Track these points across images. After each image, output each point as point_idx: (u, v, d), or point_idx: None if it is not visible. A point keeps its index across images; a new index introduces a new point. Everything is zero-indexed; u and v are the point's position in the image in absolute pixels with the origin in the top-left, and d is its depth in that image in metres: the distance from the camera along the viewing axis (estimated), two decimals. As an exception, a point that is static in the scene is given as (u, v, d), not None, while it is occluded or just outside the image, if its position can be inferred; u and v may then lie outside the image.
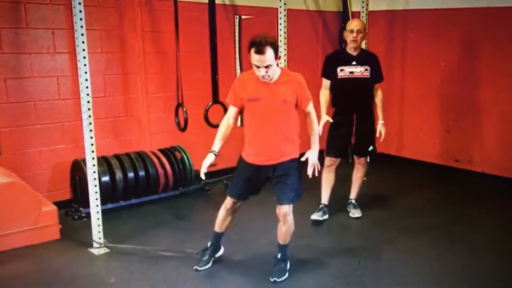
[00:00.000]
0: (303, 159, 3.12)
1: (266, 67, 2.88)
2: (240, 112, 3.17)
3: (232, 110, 3.16)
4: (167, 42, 4.88)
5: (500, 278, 3.26)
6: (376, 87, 4.22)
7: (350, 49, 4.11)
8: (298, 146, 3.17)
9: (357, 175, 4.39)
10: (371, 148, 4.26)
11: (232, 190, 3.26)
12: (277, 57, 2.90)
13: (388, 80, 6.02)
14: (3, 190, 3.58)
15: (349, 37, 4.06)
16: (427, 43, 5.61)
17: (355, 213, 4.35)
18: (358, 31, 4.02)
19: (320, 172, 3.24)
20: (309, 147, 3.20)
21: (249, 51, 2.89)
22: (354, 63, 4.07)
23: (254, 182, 3.19)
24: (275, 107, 3.01)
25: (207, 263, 3.37)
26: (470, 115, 5.36)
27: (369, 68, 4.07)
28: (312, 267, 3.41)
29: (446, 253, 3.60)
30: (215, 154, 3.13)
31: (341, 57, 4.12)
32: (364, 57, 4.12)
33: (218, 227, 3.36)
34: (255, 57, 2.87)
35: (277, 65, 2.97)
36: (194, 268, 3.33)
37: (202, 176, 3.13)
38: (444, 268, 3.38)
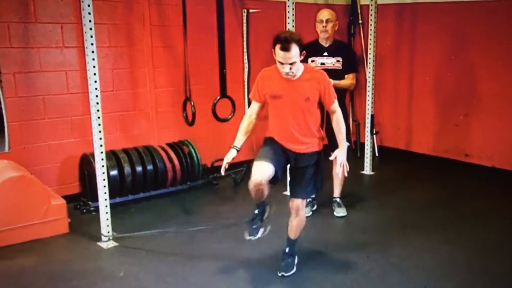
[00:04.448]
0: (331, 158, 3.08)
1: (291, 64, 2.85)
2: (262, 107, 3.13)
3: (254, 106, 3.13)
4: (175, 36, 4.87)
5: (510, 275, 3.23)
6: (347, 76, 4.04)
7: (322, 40, 4.06)
8: (320, 140, 3.14)
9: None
10: (347, 144, 4.09)
11: (262, 157, 2.96)
12: (301, 53, 2.88)
13: (397, 74, 6.02)
14: (12, 184, 3.60)
15: (319, 27, 4.02)
16: (436, 37, 5.56)
17: (340, 212, 4.22)
18: (327, 21, 3.98)
19: (348, 172, 3.09)
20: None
21: (274, 48, 2.86)
22: (325, 54, 4.02)
23: (282, 153, 3.05)
24: (297, 104, 2.99)
25: (259, 230, 3.11)
26: (480, 109, 5.31)
27: (341, 59, 4.00)
28: (320, 262, 3.40)
29: (455, 249, 3.57)
30: (237, 150, 3.07)
31: (313, 48, 4.01)
32: (336, 48, 4.05)
33: (256, 199, 3.05)
34: (280, 54, 2.83)
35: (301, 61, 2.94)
36: (248, 238, 3.09)
37: (223, 172, 3.05)
38: (453, 263, 3.36)
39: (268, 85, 3.04)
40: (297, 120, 3.01)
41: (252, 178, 2.91)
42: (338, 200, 4.30)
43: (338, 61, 4.01)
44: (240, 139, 3.09)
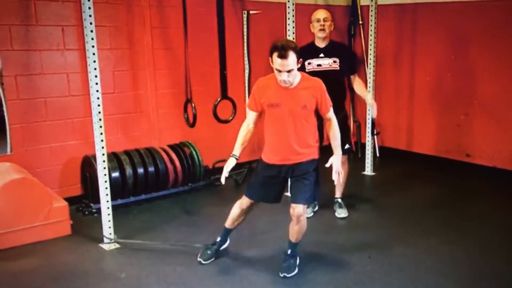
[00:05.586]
0: (327, 165, 3.09)
1: (288, 71, 2.87)
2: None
3: (252, 115, 3.17)
4: (175, 38, 4.88)
5: (511, 274, 3.24)
6: (352, 78, 4.07)
7: (318, 41, 4.00)
8: (317, 149, 3.17)
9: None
10: (347, 146, 4.05)
11: (250, 192, 3.24)
12: (298, 61, 2.90)
13: (397, 74, 6.03)
14: (15, 186, 3.60)
15: (316, 27, 3.95)
16: (436, 37, 5.56)
17: (341, 213, 4.20)
18: (325, 19, 3.92)
19: (347, 175, 3.19)
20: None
21: (271, 56, 2.89)
22: (321, 55, 3.96)
23: (273, 184, 3.19)
24: (294, 112, 3.01)
25: (212, 257, 3.39)
26: (481, 109, 5.31)
27: (337, 60, 3.95)
28: (322, 263, 3.41)
29: (457, 249, 3.57)
30: (236, 158, 3.12)
31: (309, 50, 3.94)
32: (333, 49, 3.99)
33: (230, 223, 3.37)
34: (277, 62, 2.85)
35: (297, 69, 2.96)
36: (198, 260, 3.35)
37: (223, 181, 3.08)
38: (455, 263, 3.36)
39: (265, 94, 3.06)
40: (295, 128, 3.03)
41: (241, 202, 3.25)
42: (339, 200, 4.29)
43: (334, 61, 3.95)
44: (238, 148, 3.15)
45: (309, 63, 3.95)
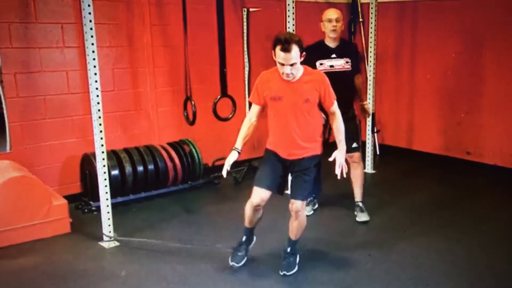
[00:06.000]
0: (330, 159, 3.06)
1: (291, 65, 2.87)
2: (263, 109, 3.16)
3: (254, 109, 3.15)
4: (175, 35, 4.87)
5: (511, 273, 3.23)
6: (356, 77, 4.04)
7: (329, 41, 3.92)
8: (320, 144, 3.16)
9: (355, 174, 4.07)
10: (354, 145, 3.96)
11: (260, 180, 3.13)
12: (301, 55, 2.89)
13: (398, 72, 6.02)
14: (14, 184, 3.60)
15: (327, 27, 3.86)
16: (437, 35, 5.55)
17: (362, 217, 4.10)
18: (337, 20, 3.84)
19: (347, 173, 3.13)
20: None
21: (274, 49, 2.87)
22: (333, 56, 3.89)
23: (280, 169, 3.14)
24: (297, 106, 3.00)
25: (244, 258, 3.31)
26: (481, 107, 5.31)
27: (349, 60, 3.89)
28: (322, 261, 3.40)
29: (457, 247, 3.57)
30: (238, 152, 3.10)
31: (320, 50, 3.87)
32: (344, 49, 3.93)
33: (248, 223, 3.28)
34: (280, 55, 2.84)
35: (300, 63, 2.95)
36: (231, 264, 3.26)
37: (224, 174, 3.06)
38: (455, 261, 3.36)
39: (268, 87, 3.05)
40: (297, 122, 3.02)
41: (251, 200, 3.13)
42: (360, 204, 4.17)
43: (347, 62, 3.88)
44: (241, 142, 3.12)
45: (321, 64, 3.86)
